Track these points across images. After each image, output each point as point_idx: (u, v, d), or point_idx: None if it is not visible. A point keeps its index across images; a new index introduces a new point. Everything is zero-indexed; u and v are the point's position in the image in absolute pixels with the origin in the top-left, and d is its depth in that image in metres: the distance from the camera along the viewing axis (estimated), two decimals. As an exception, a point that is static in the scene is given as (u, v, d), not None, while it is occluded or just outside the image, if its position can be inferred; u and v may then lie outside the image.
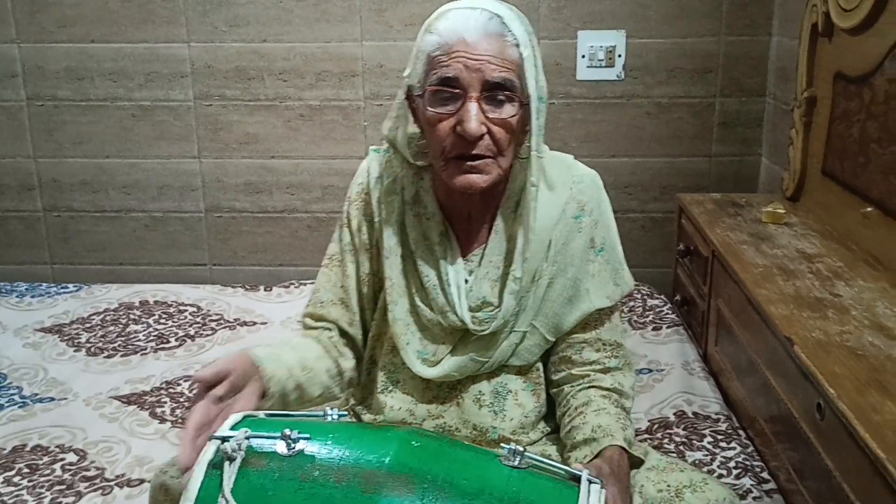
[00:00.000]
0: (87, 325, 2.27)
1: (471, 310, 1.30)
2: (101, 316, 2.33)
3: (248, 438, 1.08)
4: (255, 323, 2.28)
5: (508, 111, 1.20)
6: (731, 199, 2.30)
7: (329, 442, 1.09)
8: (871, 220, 1.80)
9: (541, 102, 1.22)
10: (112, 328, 2.25)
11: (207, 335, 2.21)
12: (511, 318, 1.31)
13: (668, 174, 2.74)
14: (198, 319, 2.30)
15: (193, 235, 2.89)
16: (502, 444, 1.10)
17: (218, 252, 2.90)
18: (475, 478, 1.05)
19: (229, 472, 1.04)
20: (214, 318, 2.32)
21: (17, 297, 2.49)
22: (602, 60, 2.64)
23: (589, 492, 1.03)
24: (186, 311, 2.36)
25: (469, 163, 1.21)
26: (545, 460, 1.09)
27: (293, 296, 2.49)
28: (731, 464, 1.59)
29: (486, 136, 1.20)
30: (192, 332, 2.22)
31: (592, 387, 1.33)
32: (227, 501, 1.02)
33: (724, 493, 1.22)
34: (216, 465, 1.06)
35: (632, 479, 1.24)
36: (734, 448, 1.64)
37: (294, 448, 1.07)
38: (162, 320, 2.29)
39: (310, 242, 2.88)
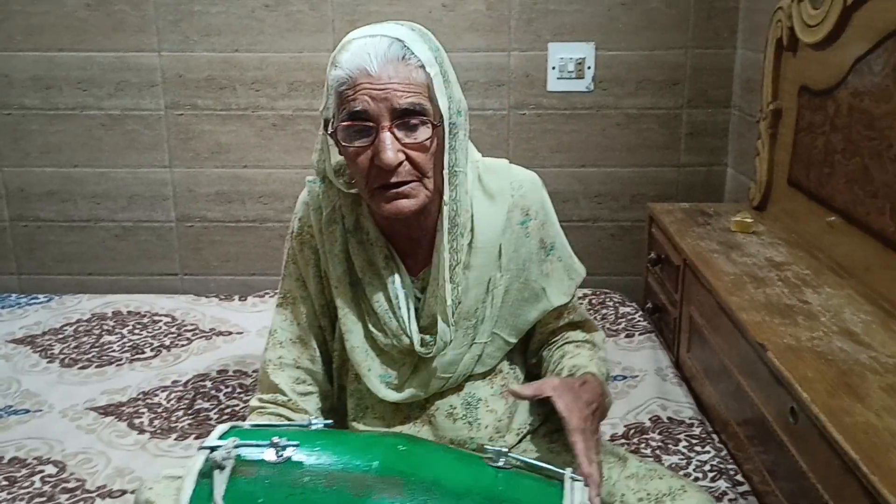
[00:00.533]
0: (60, 336, 2.24)
1: (422, 330, 1.31)
2: (74, 327, 2.31)
3: (236, 447, 1.09)
4: (230, 333, 2.28)
5: (423, 134, 1.19)
6: (700, 209, 2.35)
7: (317, 449, 1.11)
8: (836, 228, 1.86)
9: (459, 116, 1.22)
10: (85, 339, 2.23)
11: (183, 345, 2.20)
12: (468, 331, 1.32)
13: (638, 183, 2.78)
14: (172, 329, 2.29)
15: (164, 245, 2.87)
16: (486, 447, 1.12)
17: (189, 262, 2.89)
18: (462, 479, 1.07)
19: (220, 480, 1.06)
20: (189, 328, 2.31)
21: (-14, 308, 2.46)
22: (572, 72, 2.68)
23: (573, 489, 1.06)
24: (160, 321, 2.35)
25: (394, 190, 1.21)
26: (529, 460, 1.12)
27: (268, 305, 2.48)
28: (706, 467, 1.62)
29: (406, 163, 1.19)
30: (167, 343, 2.21)
31: (567, 342, 1.39)
32: (218, 510, 1.03)
33: (703, 499, 1.25)
34: (205, 475, 1.07)
35: (611, 485, 1.27)
36: (708, 452, 1.68)
37: (283, 455, 1.09)
38: (136, 331, 2.28)
39: (282, 252, 2.86)
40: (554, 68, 2.68)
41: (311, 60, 2.69)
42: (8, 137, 2.76)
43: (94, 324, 2.33)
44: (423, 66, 1.19)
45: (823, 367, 1.39)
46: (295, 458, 1.08)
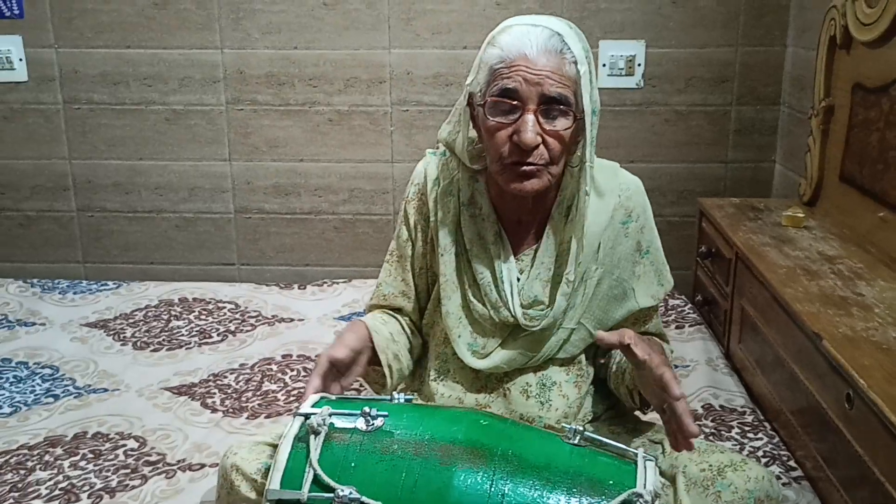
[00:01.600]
0: (131, 321, 2.35)
1: (522, 307, 1.39)
2: (143, 312, 2.41)
3: (330, 416, 1.17)
4: (292, 319, 2.37)
5: (562, 124, 1.28)
6: (751, 204, 2.39)
7: (404, 420, 1.18)
8: (888, 222, 1.89)
9: (594, 116, 1.31)
10: (155, 324, 2.33)
11: (248, 331, 2.29)
12: (560, 316, 1.40)
13: (686, 179, 2.83)
14: (236, 316, 2.38)
15: (223, 236, 2.97)
16: (563, 425, 1.19)
17: (246, 252, 2.98)
18: (541, 453, 1.14)
19: (315, 445, 1.13)
20: (252, 314, 2.40)
21: (59, 293, 2.57)
22: (622, 69, 2.73)
23: (645, 467, 1.12)
24: (225, 307, 2.44)
25: (523, 168, 1.29)
26: (602, 439, 1.19)
27: (326, 294, 2.57)
28: (759, 453, 1.67)
29: (541, 146, 1.28)
30: (232, 328, 2.30)
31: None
32: (314, 470, 1.11)
33: (763, 471, 1.31)
34: (301, 440, 1.15)
35: (674, 459, 1.33)
36: (761, 438, 1.73)
37: (373, 425, 1.16)
38: (202, 317, 2.38)
39: (336, 244, 2.96)
40: (604, 65, 2.73)
41: (367, 58, 2.76)
42: (77, 131, 2.88)
43: (161, 309, 2.43)
44: (575, 63, 1.27)
45: (880, 355, 1.44)
46: (385, 428, 1.16)
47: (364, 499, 1.09)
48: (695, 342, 2.17)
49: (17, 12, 2.74)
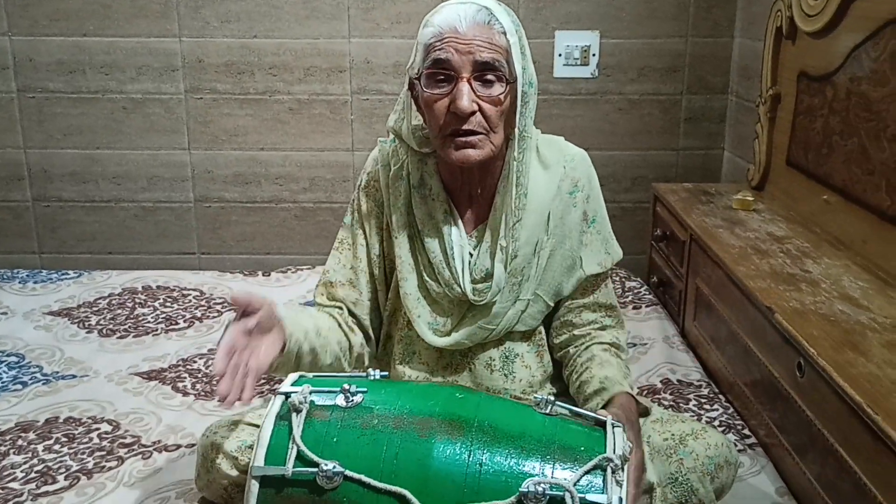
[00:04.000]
0: (95, 309, 2.35)
1: (474, 282, 1.44)
2: (107, 300, 2.41)
3: (311, 393, 1.21)
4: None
5: (497, 90, 1.33)
6: (703, 189, 2.48)
7: (383, 396, 1.23)
8: (832, 205, 1.99)
9: (530, 87, 1.36)
10: (119, 311, 2.33)
11: (214, 317, 2.31)
12: (513, 287, 1.44)
13: (639, 166, 2.91)
14: (202, 303, 2.40)
15: (183, 225, 2.97)
16: (535, 396, 1.25)
17: (207, 241, 2.99)
18: (515, 423, 1.19)
19: (297, 422, 1.17)
20: (218, 301, 2.41)
21: (19, 283, 2.55)
22: (577, 59, 2.80)
23: (614, 434, 1.18)
24: (189, 295, 2.45)
25: (463, 139, 1.34)
26: (573, 408, 1.25)
27: (291, 280, 2.59)
28: (715, 423, 1.76)
29: (478, 114, 1.33)
30: (198, 315, 2.31)
31: (594, 343, 1.48)
32: (298, 446, 1.14)
33: (722, 438, 1.39)
34: (283, 417, 1.19)
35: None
36: (717, 409, 1.81)
37: (353, 401, 1.20)
38: (167, 304, 2.38)
39: (297, 232, 2.98)
40: (560, 55, 2.79)
41: (327, 47, 2.79)
42: (32, 119, 2.85)
43: (125, 297, 2.43)
44: (504, 33, 1.33)
45: (828, 326, 1.53)
46: (364, 404, 1.20)
47: (347, 472, 1.12)
48: (651, 322, 2.26)
49: (-31, -1, 2.70)
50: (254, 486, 1.14)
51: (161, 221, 2.96)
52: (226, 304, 2.39)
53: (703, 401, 1.85)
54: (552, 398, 1.24)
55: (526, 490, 1.09)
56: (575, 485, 1.09)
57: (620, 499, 1.09)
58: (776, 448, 1.64)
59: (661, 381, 1.94)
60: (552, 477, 1.11)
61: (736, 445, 1.67)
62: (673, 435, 1.38)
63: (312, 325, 1.42)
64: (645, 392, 1.89)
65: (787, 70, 2.26)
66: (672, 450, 1.36)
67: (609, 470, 1.11)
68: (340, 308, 1.53)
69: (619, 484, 1.11)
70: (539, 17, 2.77)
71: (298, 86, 2.83)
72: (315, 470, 1.12)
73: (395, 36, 2.78)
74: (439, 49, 1.31)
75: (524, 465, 1.13)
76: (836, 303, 1.63)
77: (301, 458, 1.14)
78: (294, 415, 1.18)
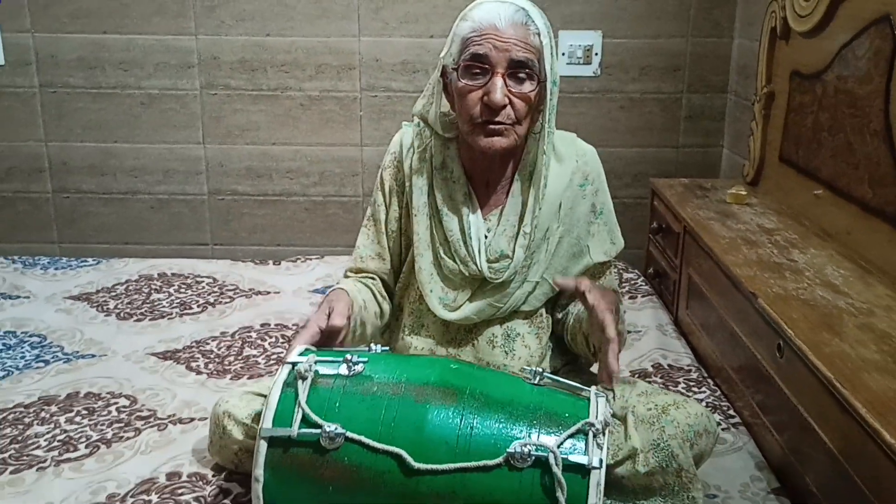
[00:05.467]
0: (113, 294, 2.45)
1: (488, 261, 1.54)
2: (124, 286, 2.51)
3: (315, 363, 1.30)
4: (268, 292, 2.48)
5: (528, 87, 1.44)
6: (699, 184, 2.56)
7: (382, 365, 1.32)
8: (822, 199, 2.07)
9: (554, 86, 1.46)
10: (136, 296, 2.43)
11: (226, 302, 2.40)
12: (523, 269, 1.54)
13: (639, 162, 2.99)
14: (215, 289, 2.49)
15: (197, 217, 3.07)
16: (524, 368, 1.34)
17: (220, 233, 3.09)
18: (505, 392, 1.28)
19: (303, 388, 1.26)
20: (230, 287, 2.51)
21: (40, 269, 2.65)
22: (580, 58, 2.88)
23: (597, 402, 1.27)
24: (203, 282, 2.55)
25: (492, 127, 1.45)
26: (560, 379, 1.34)
27: (300, 269, 2.69)
28: (702, 404, 1.83)
29: (508, 107, 1.44)
30: (211, 300, 2.41)
31: None
32: (303, 410, 1.24)
33: (701, 409, 1.48)
34: (290, 384, 1.28)
35: (624, 402, 1.49)
36: (704, 392, 1.89)
37: (355, 370, 1.30)
38: (182, 290, 2.48)
39: (307, 224, 3.08)
40: (564, 54, 2.88)
41: (337, 45, 2.88)
42: (53, 114, 2.95)
43: (142, 283, 2.53)
44: (538, 34, 1.43)
45: (807, 310, 1.61)
46: (365, 373, 1.30)
47: (348, 433, 1.22)
48: (646, 310, 2.34)
49: (-7, -2, 2.81)
50: (262, 446, 1.23)
51: (176, 213, 3.06)
52: (238, 291, 2.49)
53: (691, 384, 1.93)
54: (541, 370, 1.33)
55: (513, 451, 1.18)
56: (559, 447, 1.18)
57: (601, 460, 1.18)
58: (758, 427, 1.72)
59: (652, 366, 2.02)
60: (538, 440, 1.19)
61: (720, 425, 1.75)
62: (656, 405, 1.47)
63: (362, 300, 1.55)
64: (636, 375, 1.97)
65: (781, 69, 2.34)
66: (655, 419, 1.45)
67: (591, 434, 1.20)
68: (374, 278, 1.65)
69: (599, 447, 1.20)
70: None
71: (309, 83, 2.93)
72: (318, 431, 1.21)
73: (404, 35, 2.87)
74: (478, 44, 1.42)
75: (512, 429, 1.22)
76: (817, 289, 1.71)
77: (306, 421, 1.23)
78: (300, 382, 1.27)
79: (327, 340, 1.42)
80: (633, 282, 2.55)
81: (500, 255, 1.54)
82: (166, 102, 2.95)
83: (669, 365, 2.03)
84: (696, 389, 1.91)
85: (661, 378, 1.96)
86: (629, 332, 2.21)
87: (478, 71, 1.43)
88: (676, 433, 1.43)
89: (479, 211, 1.56)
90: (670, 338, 2.17)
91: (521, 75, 1.43)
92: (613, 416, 1.47)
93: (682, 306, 2.29)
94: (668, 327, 2.23)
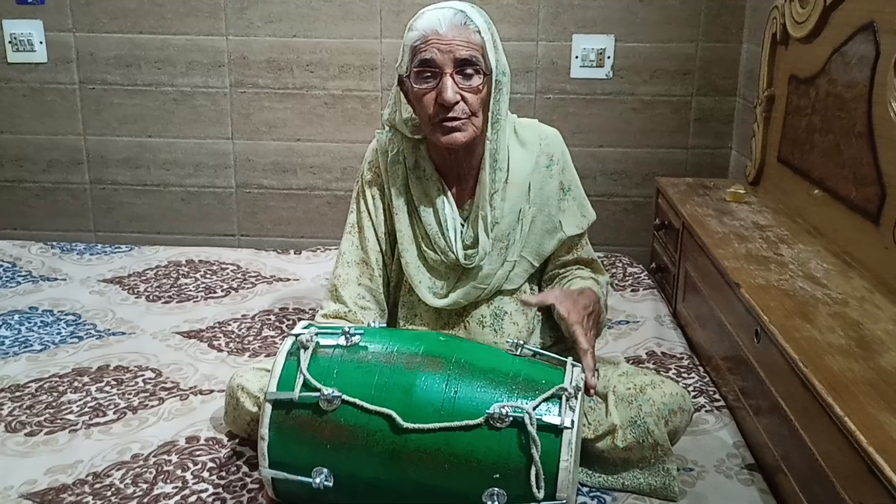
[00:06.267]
0: (143, 278, 2.61)
1: (465, 248, 1.65)
2: (154, 271, 2.67)
3: (316, 335, 1.43)
4: (288, 279, 2.63)
5: (476, 81, 1.55)
6: (702, 183, 2.66)
7: (377, 338, 1.45)
8: (814, 198, 2.16)
9: (503, 77, 1.57)
10: (165, 280, 2.59)
11: (249, 287, 2.55)
12: (501, 251, 1.65)
13: (650, 163, 3.09)
14: (238, 275, 2.64)
15: (224, 209, 3.22)
16: (506, 340, 1.46)
17: (246, 224, 3.24)
18: (488, 361, 1.40)
19: (305, 357, 1.39)
20: (253, 274, 2.66)
21: (77, 254, 2.83)
22: (593, 61, 2.98)
23: (573, 371, 1.39)
24: (227, 268, 2.70)
25: (450, 124, 1.56)
26: (540, 351, 1.46)
27: (319, 258, 2.83)
28: (690, 388, 1.94)
29: (461, 103, 1.55)
30: (234, 285, 2.56)
31: (575, 277, 1.71)
32: (304, 376, 1.37)
33: (678, 389, 1.59)
34: (293, 353, 1.41)
35: (606, 382, 1.60)
36: (693, 377, 2.00)
37: (352, 341, 1.43)
38: (207, 275, 2.64)
39: (329, 217, 3.22)
40: (577, 57, 2.98)
41: (360, 46, 3.02)
42: (91, 109, 3.13)
43: (170, 269, 2.69)
44: (479, 31, 1.54)
45: (785, 299, 1.71)
46: (361, 344, 1.42)
47: (345, 396, 1.35)
48: (646, 303, 2.44)
49: (38, -1, 2.99)
50: (267, 408, 1.37)
51: (205, 205, 3.22)
52: (260, 277, 2.64)
53: (682, 370, 2.03)
54: (522, 343, 1.44)
55: (492, 412, 1.30)
56: (534, 409, 1.30)
57: (573, 421, 1.30)
58: (739, 410, 1.82)
59: (646, 353, 2.12)
60: (516, 403, 1.31)
61: (705, 407, 1.86)
62: (635, 385, 1.58)
63: None
64: (629, 362, 2.07)
65: (781, 73, 2.43)
66: (633, 397, 1.56)
67: (564, 398, 1.32)
68: (346, 307, 1.70)
69: (572, 409, 1.31)
70: (558, 21, 2.97)
71: (333, 82, 3.06)
72: (318, 394, 1.34)
73: (423, 37, 2.99)
74: (424, 51, 1.53)
75: (493, 394, 1.34)
76: (798, 281, 1.81)
77: (307, 386, 1.36)
78: (302, 351, 1.40)
79: None
80: (636, 276, 2.65)
81: (474, 241, 1.65)
82: (198, 99, 3.11)
83: (663, 353, 2.13)
84: (685, 375, 2.01)
85: (653, 364, 2.07)
86: (626, 321, 2.32)
87: (428, 74, 1.54)
88: (652, 411, 1.54)
89: (452, 203, 1.67)
90: (667, 328, 2.27)
91: (469, 71, 1.53)
92: (596, 393, 1.59)
93: (679, 299, 2.39)
94: (666, 318, 2.34)
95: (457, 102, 1.53)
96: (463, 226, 1.67)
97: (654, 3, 2.93)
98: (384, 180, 1.70)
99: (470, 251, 1.65)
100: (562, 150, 1.72)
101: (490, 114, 1.58)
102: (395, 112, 1.67)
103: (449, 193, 1.68)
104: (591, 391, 1.41)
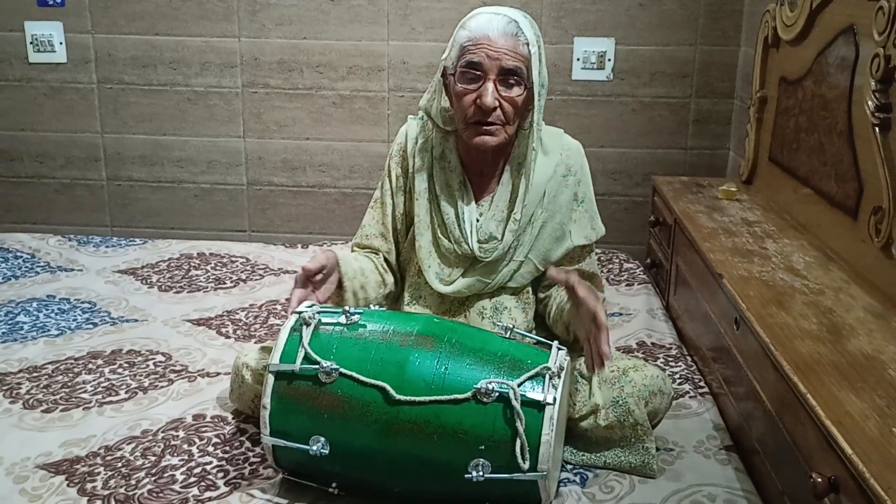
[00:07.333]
0: (156, 270, 2.72)
1: (479, 242, 1.74)
2: (167, 263, 2.78)
3: (318, 313, 1.53)
4: (296, 271, 2.68)
5: (516, 92, 1.63)
6: (696, 181, 2.74)
7: (375, 318, 1.54)
8: (800, 195, 2.24)
9: (542, 88, 1.66)
10: (176, 272, 2.69)
11: (257, 279, 2.65)
12: (510, 250, 1.74)
13: (649, 163, 3.17)
14: (247, 268, 2.75)
15: (236, 205, 3.33)
16: (496, 323, 1.54)
17: (257, 220, 3.34)
18: (478, 342, 1.50)
19: (307, 333, 1.49)
20: (261, 267, 2.76)
21: (93, 246, 2.94)
22: (594, 63, 3.07)
23: (557, 353, 1.47)
24: (237, 261, 2.80)
25: (484, 127, 1.65)
26: (528, 334, 1.54)
27: (326, 252, 2.93)
28: (677, 376, 2.02)
29: (498, 109, 1.63)
30: (243, 277, 2.66)
31: None
32: (305, 350, 1.46)
33: (658, 372, 1.67)
34: (295, 330, 1.51)
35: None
36: (680, 366, 2.08)
37: (351, 319, 1.52)
38: (217, 267, 2.74)
39: (337, 214, 3.32)
40: (578, 59, 3.07)
41: (368, 48, 3.12)
42: (109, 108, 3.24)
43: (182, 261, 2.80)
44: (528, 44, 1.62)
45: (764, 289, 1.79)
46: (359, 322, 1.52)
47: (342, 369, 1.44)
48: (639, 296, 2.52)
49: (59, 1, 3.10)
50: (270, 379, 1.47)
51: (217, 201, 3.33)
52: (268, 270, 2.73)
53: (669, 359, 2.11)
54: (511, 327, 1.53)
55: (480, 387, 1.39)
56: (519, 385, 1.39)
57: (555, 398, 1.39)
58: (722, 396, 1.90)
59: (636, 343, 2.21)
60: (502, 379, 1.40)
61: (689, 393, 1.94)
62: (618, 368, 1.67)
63: (359, 266, 1.75)
64: (620, 351, 2.16)
65: (772, 75, 2.51)
66: (616, 379, 1.65)
67: (548, 376, 1.41)
68: (376, 253, 1.84)
69: (555, 387, 1.40)
70: (559, 24, 3.06)
71: (342, 83, 3.17)
72: (317, 367, 1.44)
73: (429, 39, 3.10)
74: (473, 52, 1.61)
75: (481, 372, 1.43)
76: (779, 272, 1.89)
77: (307, 359, 1.46)
78: (304, 327, 1.50)
79: (315, 291, 1.63)
80: (631, 271, 2.74)
81: (490, 237, 1.73)
82: (211, 99, 3.21)
83: (653, 343, 2.21)
84: (672, 364, 2.09)
85: (642, 354, 2.15)
86: (619, 314, 2.41)
87: (472, 76, 1.62)
88: (633, 392, 1.62)
89: (472, 197, 1.76)
90: (658, 320, 2.35)
91: (511, 81, 1.62)
92: (581, 376, 1.68)
93: (671, 293, 2.47)
94: (658, 311, 2.42)
95: (494, 108, 1.61)
96: (478, 220, 1.74)
97: (654, 7, 3.02)
98: (409, 164, 1.79)
99: (486, 245, 1.73)
100: (581, 164, 1.79)
101: (534, 124, 1.65)
102: (433, 101, 1.74)
103: (469, 188, 1.76)
104: (606, 360, 1.46)
